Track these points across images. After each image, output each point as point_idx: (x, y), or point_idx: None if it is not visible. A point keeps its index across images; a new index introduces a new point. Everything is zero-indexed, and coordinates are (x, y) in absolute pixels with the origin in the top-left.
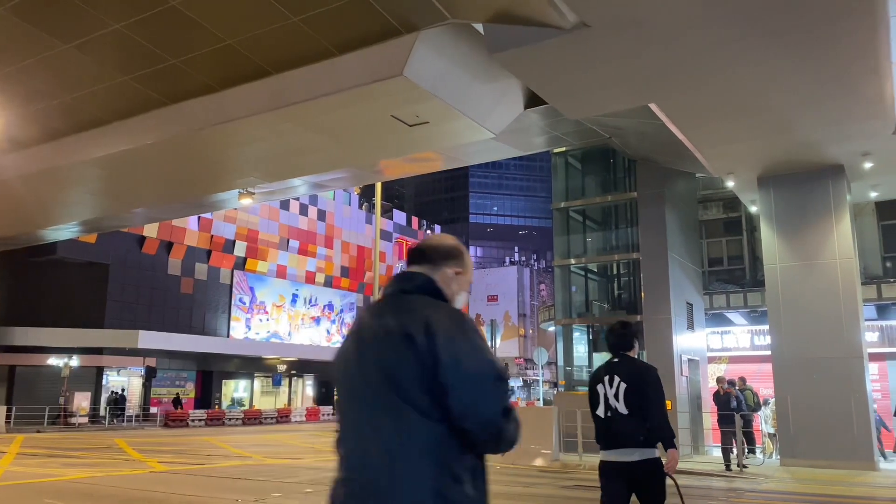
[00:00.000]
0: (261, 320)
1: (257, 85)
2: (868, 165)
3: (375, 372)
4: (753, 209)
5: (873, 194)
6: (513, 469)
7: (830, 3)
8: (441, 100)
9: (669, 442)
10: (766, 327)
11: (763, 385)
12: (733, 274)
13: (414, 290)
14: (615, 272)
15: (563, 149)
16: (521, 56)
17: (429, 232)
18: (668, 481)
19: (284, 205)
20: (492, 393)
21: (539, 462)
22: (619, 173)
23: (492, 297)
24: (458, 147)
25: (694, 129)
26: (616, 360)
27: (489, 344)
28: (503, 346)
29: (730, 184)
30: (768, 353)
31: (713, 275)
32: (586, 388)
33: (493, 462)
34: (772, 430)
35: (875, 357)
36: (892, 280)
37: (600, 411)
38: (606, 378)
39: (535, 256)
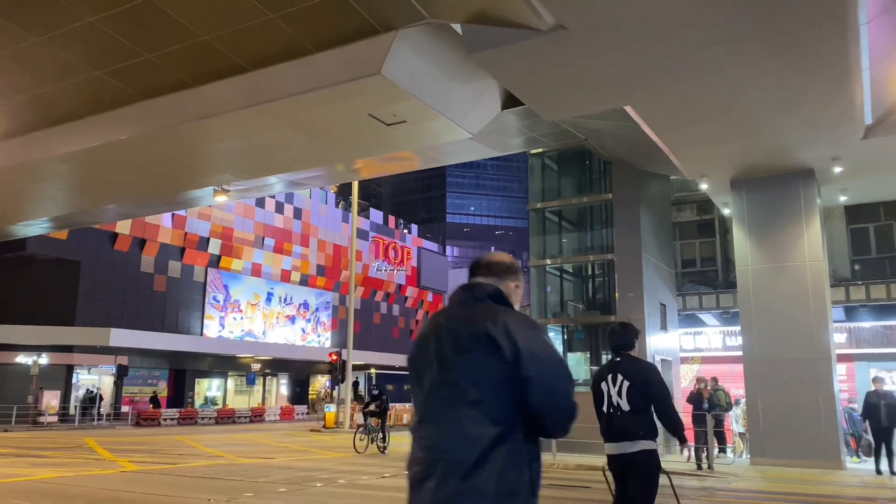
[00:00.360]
0: (235, 319)
1: (233, 81)
2: (838, 170)
3: (459, 368)
4: (726, 212)
5: (843, 198)
6: None
7: (803, 11)
8: (419, 99)
9: (682, 437)
10: (738, 328)
11: (735, 385)
12: (706, 275)
13: (485, 297)
14: (590, 273)
15: (540, 150)
16: (498, 57)
17: (405, 231)
18: (663, 480)
19: (260, 202)
20: (567, 385)
21: None
22: (595, 175)
23: None
24: (435, 146)
25: (669, 131)
26: (618, 359)
27: None
28: None
29: (703, 186)
30: (740, 353)
31: (686, 276)
32: None
33: None
34: (742, 430)
35: (843, 358)
36: (859, 282)
37: (604, 407)
38: (609, 376)
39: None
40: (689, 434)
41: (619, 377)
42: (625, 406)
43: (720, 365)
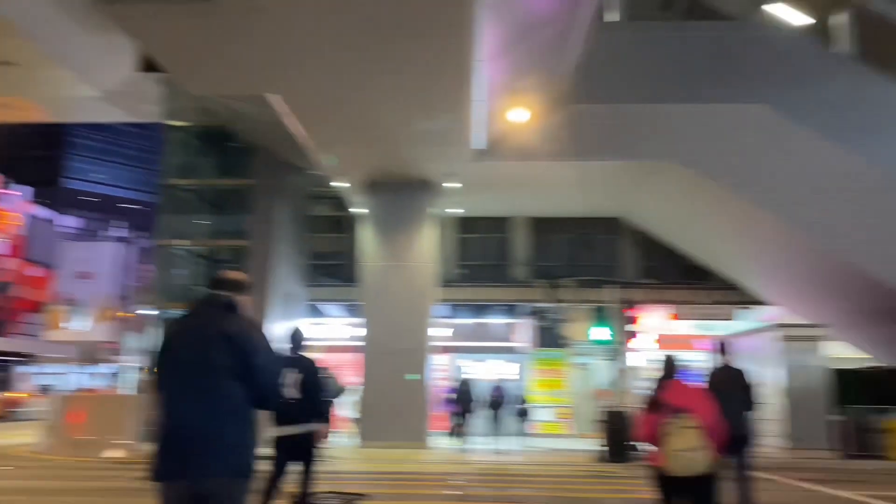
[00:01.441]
0: None
1: None
2: (452, 185)
3: (204, 359)
4: (357, 210)
5: (456, 210)
6: (89, 463)
7: (420, 42)
8: (33, 40)
9: (325, 417)
10: (361, 319)
11: (357, 373)
12: (336, 269)
13: (223, 307)
14: (222, 258)
15: (182, 123)
16: (133, 14)
17: (12, 192)
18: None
19: None
20: (278, 371)
21: (120, 454)
22: (237, 158)
23: (85, 274)
24: (55, 99)
25: (310, 128)
26: (295, 356)
27: (68, 326)
28: (97, 330)
29: (339, 184)
30: (362, 343)
31: (317, 268)
32: None
33: (65, 458)
34: (356, 415)
35: (448, 350)
36: (464, 284)
37: None
38: (287, 370)
39: (143, 233)
40: None
41: (295, 371)
42: (297, 395)
43: (344, 354)
